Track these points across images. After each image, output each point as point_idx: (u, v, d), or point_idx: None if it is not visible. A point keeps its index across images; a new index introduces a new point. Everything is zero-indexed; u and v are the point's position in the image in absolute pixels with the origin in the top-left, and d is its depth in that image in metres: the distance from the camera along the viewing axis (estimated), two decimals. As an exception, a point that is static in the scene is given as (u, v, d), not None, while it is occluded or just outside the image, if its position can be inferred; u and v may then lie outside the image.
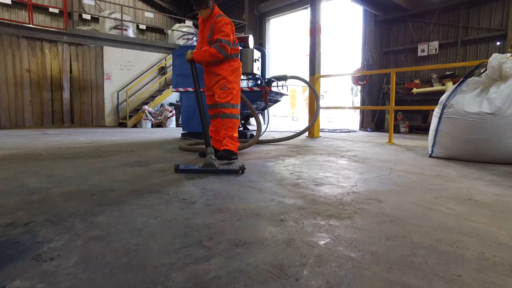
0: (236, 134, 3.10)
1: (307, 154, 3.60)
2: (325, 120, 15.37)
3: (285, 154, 3.58)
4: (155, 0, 14.33)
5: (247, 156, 3.48)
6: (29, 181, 2.15)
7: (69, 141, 4.89)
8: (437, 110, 3.55)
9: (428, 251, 1.12)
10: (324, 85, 18.09)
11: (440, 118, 3.43)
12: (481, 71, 3.38)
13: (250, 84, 5.49)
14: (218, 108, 3.11)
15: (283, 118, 18.74)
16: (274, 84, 5.51)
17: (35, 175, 2.33)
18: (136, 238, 1.21)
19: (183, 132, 5.59)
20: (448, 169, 2.79)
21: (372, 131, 8.40)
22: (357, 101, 9.70)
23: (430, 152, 3.55)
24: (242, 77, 5.39)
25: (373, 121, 8.66)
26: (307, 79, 6.30)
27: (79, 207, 1.58)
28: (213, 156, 2.52)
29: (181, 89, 5.50)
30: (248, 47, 5.55)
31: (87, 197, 1.76)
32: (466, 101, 3.24)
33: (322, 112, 6.30)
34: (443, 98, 3.51)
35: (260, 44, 12.22)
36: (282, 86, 5.80)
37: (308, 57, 6.79)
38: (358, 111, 9.42)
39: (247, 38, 5.62)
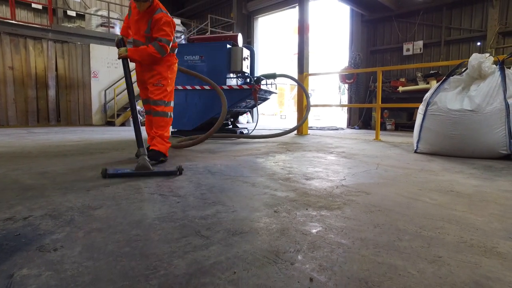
0: (167, 134, 2.93)
1: (296, 151, 3.68)
2: (313, 118, 15.53)
3: (275, 151, 3.65)
4: (142, -3, 14.16)
5: (238, 152, 3.53)
6: (22, 177, 2.15)
7: (58, 140, 4.84)
8: (421, 108, 3.69)
9: (412, 236, 1.21)
10: (312, 83, 18.25)
11: (424, 115, 3.56)
12: (462, 70, 3.52)
13: (239, 82, 5.54)
14: (150, 104, 2.93)
15: (272, 116, 18.84)
16: (263, 82, 5.58)
17: (28, 172, 2.33)
18: (136, 229, 1.26)
19: (173, 130, 5.60)
20: (432, 163, 2.92)
21: (360, 128, 8.58)
22: (345, 100, 9.85)
23: (415, 148, 3.68)
24: (231, 75, 5.46)
25: (360, 119, 8.83)
26: (296, 77, 6.39)
27: (76, 201, 1.61)
28: (147, 157, 2.34)
29: (170, 87, 5.49)
30: (237, 45, 5.60)
31: (83, 192, 1.79)
32: (448, 98, 3.38)
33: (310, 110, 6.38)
34: (427, 96, 3.65)
35: (249, 43, 12.25)
36: (271, 84, 5.87)
37: (296, 55, 6.89)
38: (345, 109, 9.58)
39: (236, 36, 5.67)
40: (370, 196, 1.76)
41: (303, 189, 1.91)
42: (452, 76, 3.54)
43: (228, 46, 5.25)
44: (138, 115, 8.35)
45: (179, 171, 2.23)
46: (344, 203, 1.62)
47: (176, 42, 2.99)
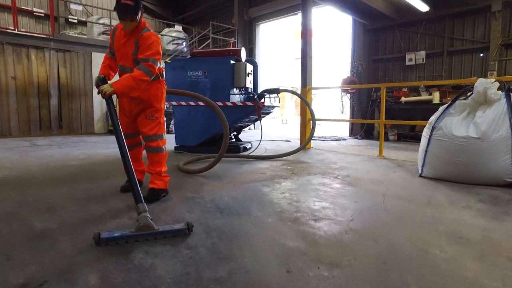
0: (165, 169, 2.75)
1: (301, 174, 3.69)
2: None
3: (280, 175, 3.66)
4: (145, 4, 14.18)
5: (243, 176, 3.54)
6: (31, 217, 2.16)
7: (61, 156, 4.85)
8: (426, 131, 3.69)
9: (426, 310, 1.21)
10: (314, 84, 18.27)
11: (429, 139, 3.56)
12: (468, 94, 3.52)
13: (242, 98, 5.54)
14: (143, 140, 2.77)
15: (272, 119, 18.83)
16: (266, 96, 5.58)
17: (36, 209, 2.33)
18: (151, 298, 1.26)
19: (176, 145, 5.61)
20: (438, 193, 2.92)
21: (362, 138, 8.57)
22: (347, 105, 9.81)
23: (420, 172, 3.69)
24: (235, 90, 5.46)
25: (362, 128, 8.83)
26: (298, 86, 6.38)
27: (90, 258, 1.61)
28: (148, 214, 1.94)
29: (173, 103, 5.51)
30: (241, 60, 5.60)
31: (95, 248, 1.79)
32: (454, 124, 3.38)
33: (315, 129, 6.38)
34: (432, 119, 3.65)
35: (250, 49, 12.25)
36: (274, 98, 5.88)
37: (297, 59, 6.90)
38: (347, 114, 9.56)
39: (239, 50, 5.67)
40: (378, 247, 1.77)
41: (312, 236, 1.91)
42: (458, 100, 3.54)
43: (232, 61, 5.25)
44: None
45: (189, 228, 1.91)
46: (354, 258, 1.63)
47: (162, 66, 2.79)
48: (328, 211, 2.39)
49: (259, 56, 12.39)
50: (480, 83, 3.33)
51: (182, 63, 5.54)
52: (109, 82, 2.46)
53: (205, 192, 2.90)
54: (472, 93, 3.43)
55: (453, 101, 3.55)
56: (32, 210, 2.33)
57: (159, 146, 2.70)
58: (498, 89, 3.39)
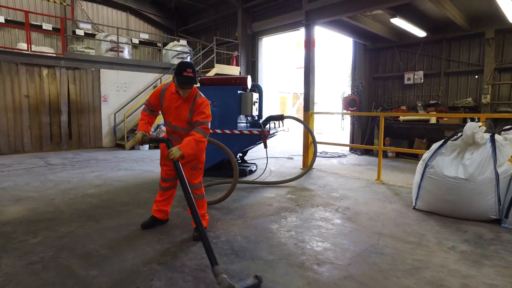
0: (204, 211, 3.15)
1: (305, 207, 4.01)
2: (316, 132, 15.84)
3: (285, 207, 3.98)
4: (149, 16, 14.54)
5: (252, 210, 3.86)
6: (73, 265, 2.48)
7: (78, 182, 5.17)
8: (420, 167, 4.01)
9: None
10: (315, 96, 18.60)
11: (422, 175, 3.89)
12: (458, 135, 3.84)
13: (248, 125, 5.86)
14: (190, 189, 2.68)
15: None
16: (271, 116, 5.90)
17: (73, 254, 2.65)
18: None
19: (186, 168, 5.92)
20: (428, 232, 3.24)
21: (361, 154, 8.90)
22: (347, 120, 10.10)
23: (414, 204, 4.01)
24: (242, 118, 5.79)
25: (362, 142, 9.13)
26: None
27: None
28: (225, 276, 2.08)
29: (184, 129, 5.83)
30: (247, 87, 5.93)
31: (131, 291, 2.12)
32: (445, 163, 3.71)
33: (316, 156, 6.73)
34: (425, 156, 3.97)
35: (253, 62, 12.60)
36: (279, 123, 6.20)
37: (299, 69, 7.29)
38: (348, 123, 9.83)
39: (245, 79, 6.00)
40: (374, 296, 2.09)
41: (316, 283, 2.23)
42: (450, 140, 3.86)
43: (239, 91, 5.58)
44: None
45: (260, 281, 2.17)
46: (352, 309, 1.95)
47: None
48: (330, 253, 2.71)
49: (262, 69, 12.74)
50: (469, 127, 3.65)
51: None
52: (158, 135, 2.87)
53: (220, 230, 3.23)
54: (462, 135, 3.76)
55: (445, 141, 3.88)
56: (71, 255, 2.64)
57: (202, 193, 3.13)
58: (487, 127, 3.72)
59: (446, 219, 3.59)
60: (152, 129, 10.32)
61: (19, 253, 2.66)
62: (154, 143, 3.03)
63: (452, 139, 3.86)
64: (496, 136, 3.58)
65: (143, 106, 3.13)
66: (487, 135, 3.60)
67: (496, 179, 3.41)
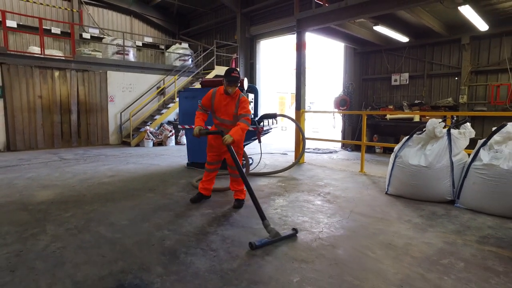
0: (243, 186, 3.90)
1: (292, 192, 4.65)
2: (311, 131, 16.49)
3: (275, 192, 4.63)
4: (152, 19, 15.19)
5: (246, 197, 4.49)
6: (101, 230, 3.13)
7: (92, 173, 5.82)
8: (392, 157, 4.65)
9: (349, 285, 2.17)
10: (311, 96, 19.24)
11: (393, 164, 4.52)
12: (423, 130, 4.48)
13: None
14: (230, 169, 3.93)
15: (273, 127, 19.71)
16: (267, 112, 6.55)
17: (100, 223, 3.30)
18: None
19: (188, 162, 6.57)
20: (392, 210, 3.88)
21: (352, 150, 9.53)
22: (339, 119, 10.75)
23: (386, 190, 4.65)
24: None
25: (353, 138, 9.75)
26: (293, 112, 7.33)
27: (150, 257, 2.58)
28: (272, 226, 2.94)
29: (186, 126, 6.48)
30: (243, 88, 6.58)
31: (150, 247, 2.76)
32: (410, 154, 4.34)
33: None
34: (396, 148, 4.60)
35: (251, 64, 13.23)
36: (273, 121, 6.84)
37: (295, 70, 7.92)
38: (339, 128, 10.51)
39: (242, 81, 6.64)
40: (334, 250, 2.73)
41: (293, 244, 2.88)
42: (415, 134, 4.49)
43: (236, 92, 6.22)
44: (151, 136, 9.25)
45: (296, 231, 3.02)
46: (316, 257, 2.59)
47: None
48: (306, 224, 3.35)
49: (260, 70, 13.38)
50: (431, 123, 4.29)
51: (193, 93, 6.53)
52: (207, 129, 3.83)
53: (218, 208, 3.87)
54: (426, 130, 4.39)
55: (411, 135, 4.51)
56: (98, 224, 3.29)
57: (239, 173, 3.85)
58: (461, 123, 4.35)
59: (411, 201, 4.22)
60: (156, 128, 10.99)
61: (58, 222, 3.32)
62: (210, 134, 3.76)
63: (418, 133, 4.50)
64: (452, 130, 4.22)
65: (198, 107, 3.94)
66: (445, 130, 4.23)
67: (451, 166, 4.05)
